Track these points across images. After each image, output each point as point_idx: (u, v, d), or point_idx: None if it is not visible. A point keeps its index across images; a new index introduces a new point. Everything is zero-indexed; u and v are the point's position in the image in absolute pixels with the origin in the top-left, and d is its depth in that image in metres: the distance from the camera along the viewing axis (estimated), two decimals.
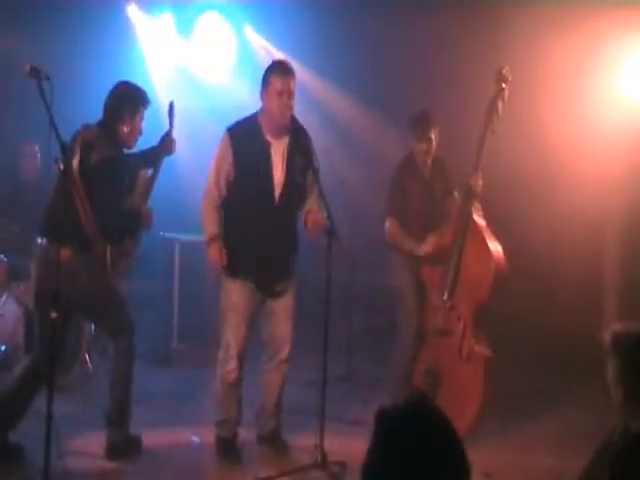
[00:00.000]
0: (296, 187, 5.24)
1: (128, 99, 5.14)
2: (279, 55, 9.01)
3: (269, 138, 5.23)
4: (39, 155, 7.67)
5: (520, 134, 7.27)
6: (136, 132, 5.18)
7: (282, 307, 5.36)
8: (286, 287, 5.37)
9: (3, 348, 6.72)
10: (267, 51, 9.09)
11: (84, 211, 4.86)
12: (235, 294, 5.28)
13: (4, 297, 6.84)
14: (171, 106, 5.47)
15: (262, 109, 5.27)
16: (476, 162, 5.72)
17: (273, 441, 5.47)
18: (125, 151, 5.22)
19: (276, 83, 5.14)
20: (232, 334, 5.28)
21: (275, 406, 5.47)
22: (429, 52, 7.96)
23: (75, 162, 4.83)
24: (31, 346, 6.34)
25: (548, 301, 7.52)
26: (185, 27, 9.21)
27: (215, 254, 5.22)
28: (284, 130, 5.22)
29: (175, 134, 5.45)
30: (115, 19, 8.89)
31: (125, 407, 5.25)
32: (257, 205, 5.22)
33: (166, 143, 5.36)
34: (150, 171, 5.35)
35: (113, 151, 5.03)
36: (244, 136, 5.24)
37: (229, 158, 5.23)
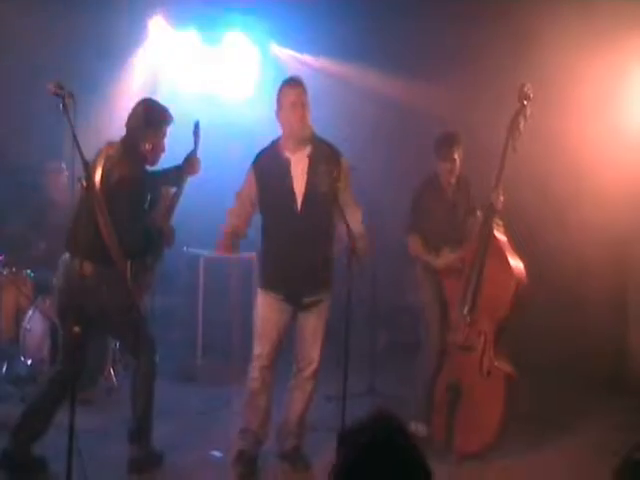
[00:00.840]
0: (320, 196, 5.20)
1: (151, 117, 5.17)
2: (310, 61, 9.13)
3: (288, 154, 5.30)
4: (66, 172, 7.76)
5: (547, 150, 7.27)
6: (159, 150, 5.22)
7: (312, 325, 5.39)
8: (316, 301, 5.37)
9: (30, 362, 6.78)
10: (296, 60, 9.16)
11: (106, 227, 4.90)
12: (265, 306, 5.38)
13: (30, 312, 6.92)
14: (196, 126, 5.49)
15: (281, 129, 5.35)
16: (497, 178, 5.73)
17: (294, 459, 5.46)
18: (149, 169, 5.26)
19: (289, 95, 5.23)
20: (260, 345, 5.37)
21: (297, 424, 5.46)
22: (454, 66, 7.97)
23: (97, 179, 4.89)
24: (56, 360, 6.45)
25: (571, 317, 7.46)
26: (210, 43, 9.29)
27: (223, 242, 5.39)
28: (304, 142, 5.27)
29: (199, 154, 5.47)
30: (140, 33, 9.00)
31: (146, 423, 5.29)
32: (281, 217, 5.31)
33: (190, 163, 5.38)
34: (173, 189, 5.38)
35: (135, 168, 5.07)
36: (266, 162, 5.38)
37: (254, 188, 5.39)
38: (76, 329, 4.43)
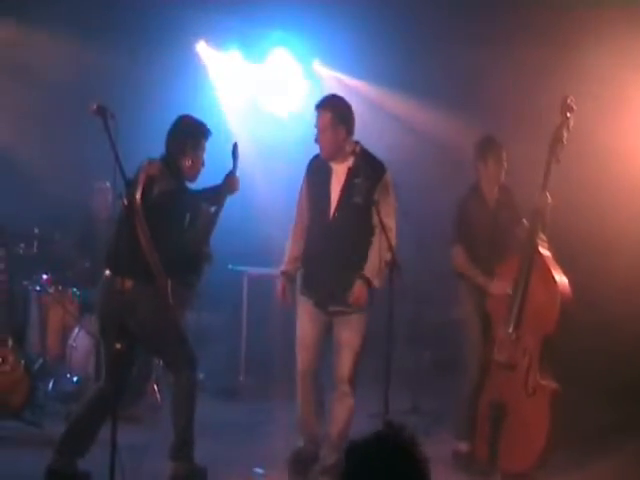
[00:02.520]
0: (353, 206, 5.36)
1: (190, 133, 5.24)
2: (352, 83, 9.17)
3: (331, 163, 5.48)
4: (111, 191, 7.84)
5: (590, 163, 7.21)
6: (198, 165, 5.26)
7: (343, 336, 5.42)
8: (345, 312, 5.39)
9: (75, 379, 6.86)
10: (337, 80, 9.21)
11: (146, 244, 4.94)
12: (301, 313, 5.55)
13: (76, 330, 7.01)
14: (235, 147, 5.49)
15: None
16: (543, 186, 5.68)
17: (335, 474, 5.38)
18: (189, 186, 5.31)
19: (316, 119, 5.46)
20: (299, 351, 5.51)
21: (338, 439, 5.42)
22: (499, 80, 7.95)
23: (138, 195, 4.94)
24: (100, 377, 6.51)
25: (613, 333, 7.33)
26: (254, 62, 9.37)
27: (279, 289, 5.57)
28: (342, 155, 5.43)
29: (238, 173, 5.51)
30: (185, 56, 9.12)
31: (188, 440, 5.28)
32: (317, 225, 5.49)
33: (229, 182, 5.39)
34: (213, 208, 5.40)
35: (175, 184, 5.12)
36: (316, 165, 5.58)
37: (305, 187, 5.62)
38: (118, 346, 4.46)
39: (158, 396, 7.01)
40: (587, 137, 6.80)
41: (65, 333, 7.16)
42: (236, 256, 8.19)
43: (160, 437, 6.18)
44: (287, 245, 5.67)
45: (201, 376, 7.71)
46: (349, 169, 5.40)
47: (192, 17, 8.79)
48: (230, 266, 8.19)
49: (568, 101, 5.74)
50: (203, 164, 5.29)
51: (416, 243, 7.39)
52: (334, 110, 5.41)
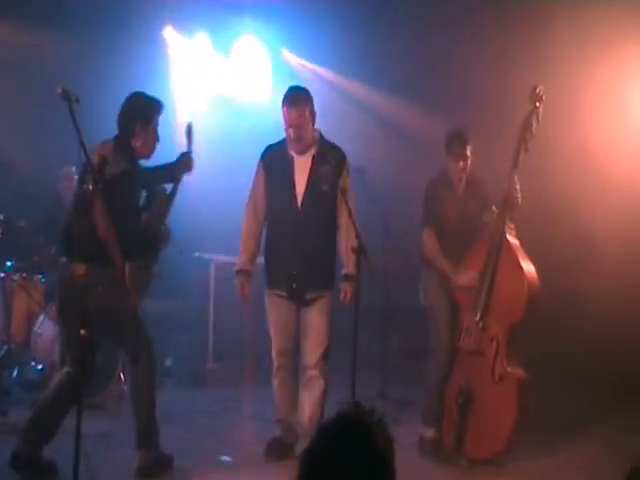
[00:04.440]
0: (320, 195, 5.39)
1: (140, 110, 5.11)
2: (319, 70, 9.15)
3: (293, 154, 5.48)
4: (75, 177, 7.76)
5: (562, 152, 7.26)
6: (152, 142, 5.16)
7: (313, 320, 5.47)
8: (317, 298, 5.47)
9: (40, 367, 6.79)
10: (305, 67, 9.18)
11: (104, 227, 4.83)
12: (271, 306, 5.57)
13: (41, 317, 6.93)
14: (189, 127, 5.38)
15: None
16: (511, 173, 5.68)
17: None
18: (143, 164, 5.21)
19: (286, 114, 5.42)
20: (273, 344, 5.55)
21: (311, 424, 5.42)
22: (470, 67, 7.96)
23: (93, 177, 4.78)
24: (65, 363, 6.46)
25: (591, 325, 7.38)
26: (221, 49, 9.30)
27: (239, 287, 5.59)
28: (307, 147, 5.45)
29: (195, 154, 5.39)
30: (151, 40, 9.03)
31: (151, 429, 5.25)
32: (283, 215, 5.47)
33: (184, 161, 5.29)
34: (169, 188, 5.31)
35: (127, 165, 5.01)
36: (273, 156, 5.56)
37: (262, 179, 5.55)
38: (83, 332, 4.40)
39: (124, 384, 6.95)
40: (562, 129, 6.85)
41: (30, 320, 7.08)
42: (203, 243, 8.16)
43: (125, 425, 6.14)
44: (242, 242, 5.63)
45: (169, 363, 7.72)
46: (313, 157, 5.42)
47: (160, 1, 8.71)
48: (197, 253, 8.16)
49: (537, 90, 5.73)
50: (157, 140, 5.17)
51: (384, 228, 7.39)
52: (310, 104, 5.44)
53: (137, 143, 5.08)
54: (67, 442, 4.44)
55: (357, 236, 5.03)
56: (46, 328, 6.85)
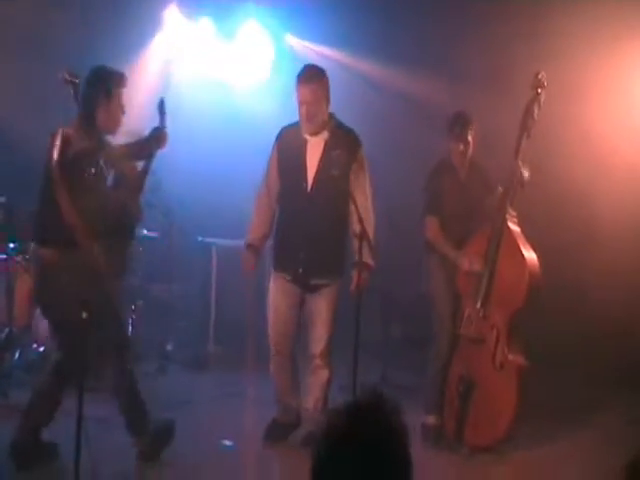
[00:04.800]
0: (331, 179, 5.24)
1: (101, 83, 4.95)
2: (324, 52, 9.10)
3: (306, 136, 5.42)
4: None
5: (565, 139, 7.23)
6: (116, 116, 5.00)
7: (319, 308, 5.43)
8: (323, 284, 5.41)
9: (42, 349, 6.81)
10: (312, 51, 9.13)
11: (69, 207, 4.70)
12: (275, 290, 5.51)
13: None
14: (161, 103, 5.25)
15: None
16: (512, 162, 5.67)
17: (309, 445, 5.40)
18: (112, 141, 5.08)
19: (298, 92, 5.35)
20: (272, 332, 5.50)
21: (315, 410, 5.46)
22: (470, 53, 7.93)
23: (55, 157, 4.74)
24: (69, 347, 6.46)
25: (593, 315, 7.37)
26: (224, 33, 9.26)
27: (246, 260, 5.55)
28: (315, 131, 5.39)
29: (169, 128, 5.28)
30: (155, 23, 8.99)
31: (137, 415, 5.17)
32: (292, 198, 5.43)
33: (157, 136, 5.15)
34: (140, 165, 5.20)
35: (92, 141, 4.87)
36: (288, 137, 5.51)
37: (275, 160, 5.52)
38: (84, 315, 4.37)
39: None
40: (567, 115, 6.84)
41: (32, 303, 7.06)
42: (205, 228, 8.16)
43: None
44: (253, 219, 5.60)
45: (169, 347, 7.73)
46: (326, 141, 5.36)
47: None
48: (199, 238, 8.16)
49: (539, 76, 5.71)
50: (122, 113, 5.02)
51: (387, 216, 7.37)
52: (323, 81, 5.36)
53: (101, 116, 4.93)
54: (68, 425, 4.46)
55: (360, 221, 5.00)
56: None
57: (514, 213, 5.76)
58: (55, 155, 4.74)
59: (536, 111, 5.68)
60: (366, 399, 2.17)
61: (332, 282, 5.44)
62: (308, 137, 5.41)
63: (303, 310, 5.52)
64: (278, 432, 5.58)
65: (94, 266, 4.79)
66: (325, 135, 5.39)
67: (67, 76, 4.56)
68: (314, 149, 5.39)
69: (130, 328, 7.46)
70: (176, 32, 9.24)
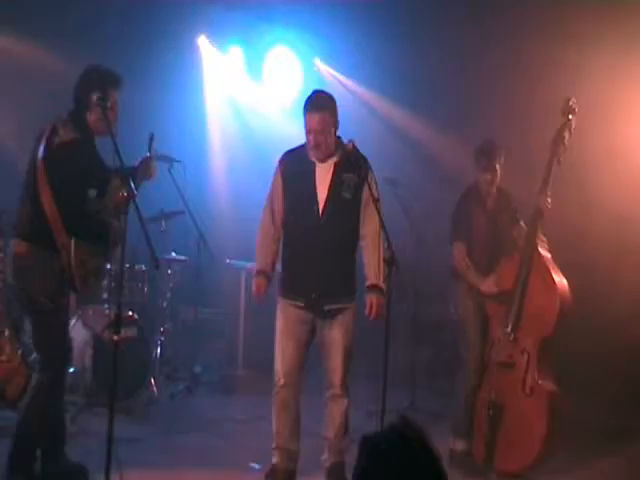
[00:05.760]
0: (342, 203, 5.19)
1: (95, 84, 4.80)
2: (349, 84, 9.17)
3: (314, 160, 5.27)
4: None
5: (593, 150, 7.21)
6: (107, 118, 4.78)
7: (333, 338, 5.25)
8: (338, 311, 5.24)
9: (72, 370, 6.83)
10: (337, 80, 9.21)
11: (47, 201, 4.62)
12: (284, 318, 5.27)
13: (74, 321, 6.98)
14: (151, 139, 4.93)
15: None
16: (543, 183, 5.67)
17: (335, 476, 5.28)
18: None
19: (307, 120, 5.19)
20: (279, 360, 5.27)
21: (336, 439, 5.30)
22: (501, 79, 7.94)
23: (41, 150, 4.68)
24: (98, 369, 6.51)
25: (617, 337, 7.30)
26: (254, 59, 9.38)
27: (256, 287, 5.28)
28: (328, 155, 5.24)
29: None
30: (184, 49, 9.11)
31: (21, 450, 4.78)
32: (303, 222, 5.24)
33: (144, 166, 4.90)
34: (125, 190, 4.93)
35: (77, 135, 4.74)
36: (293, 161, 5.34)
37: (280, 186, 5.33)
38: (115, 337, 4.37)
39: (155, 389, 7.01)
40: (591, 137, 6.80)
41: None
42: (234, 251, 8.20)
43: (157, 430, 6.23)
44: (260, 248, 5.38)
45: (198, 370, 7.76)
46: (335, 164, 5.24)
47: (194, 10, 8.79)
48: (228, 261, 8.20)
49: (570, 103, 5.73)
50: (114, 117, 4.82)
51: (416, 240, 7.39)
52: (332, 109, 5.22)
53: (91, 117, 4.80)
54: (98, 446, 4.49)
55: (389, 247, 4.87)
56: (78, 332, 6.90)
57: (544, 239, 5.76)
58: (41, 147, 4.69)
59: (567, 137, 5.69)
60: (400, 424, 2.18)
61: (346, 306, 5.27)
62: (316, 162, 5.27)
63: (317, 339, 5.32)
64: (278, 478, 5.31)
65: (67, 267, 4.67)
66: (335, 158, 5.25)
67: (97, 99, 4.59)
68: (323, 173, 5.24)
69: (159, 350, 7.53)
70: (207, 58, 9.38)
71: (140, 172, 4.89)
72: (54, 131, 4.72)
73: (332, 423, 5.31)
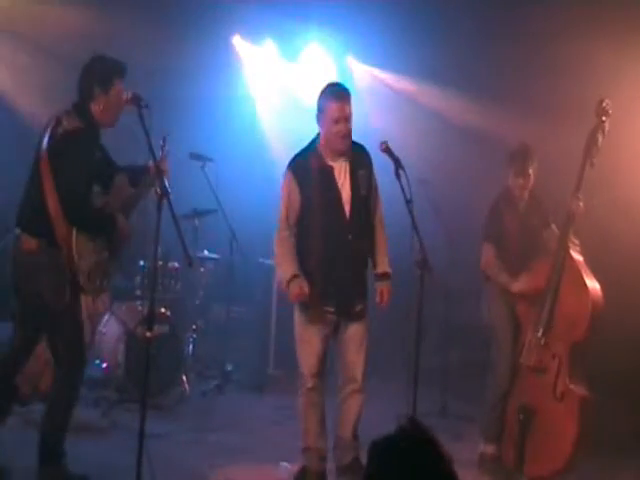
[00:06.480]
0: (363, 201, 5.21)
1: (99, 73, 4.78)
2: (385, 77, 9.14)
3: (330, 162, 5.20)
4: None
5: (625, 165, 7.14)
6: (113, 108, 4.79)
7: (354, 335, 5.25)
8: (363, 309, 5.28)
9: (104, 366, 6.91)
10: (372, 75, 9.20)
11: (50, 192, 4.58)
12: (308, 323, 5.22)
13: (107, 316, 7.06)
14: (163, 140, 4.90)
15: (320, 134, 5.25)
16: (576, 188, 5.63)
17: (355, 471, 5.29)
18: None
19: (332, 110, 5.10)
20: (307, 364, 5.25)
21: (353, 436, 5.32)
22: (535, 76, 7.90)
23: (45, 141, 4.66)
24: (130, 365, 6.56)
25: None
26: (288, 57, 9.41)
27: (298, 291, 5.10)
28: (344, 152, 5.20)
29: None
30: (220, 47, 9.15)
31: (54, 447, 4.80)
32: (331, 227, 5.17)
33: (153, 166, 4.61)
34: (132, 190, 5.00)
35: (82, 124, 4.70)
36: (306, 165, 5.22)
37: (295, 192, 5.18)
38: (148, 334, 4.40)
39: (187, 386, 7.05)
40: (625, 138, 6.74)
41: (95, 319, 7.22)
42: (266, 250, 8.22)
43: (188, 426, 6.27)
44: (284, 258, 5.20)
45: (229, 368, 7.79)
46: (350, 163, 5.20)
47: (228, 9, 8.81)
48: (260, 259, 8.22)
49: (604, 104, 5.66)
50: (120, 106, 4.77)
51: (447, 241, 7.37)
52: (350, 96, 5.20)
53: (96, 107, 4.75)
54: (130, 441, 4.52)
55: (422, 248, 4.84)
56: (111, 328, 6.99)
57: (577, 242, 5.71)
58: (45, 139, 4.66)
59: (600, 139, 5.63)
60: (407, 427, 2.18)
61: (365, 305, 5.32)
62: (332, 162, 5.19)
63: (337, 337, 5.28)
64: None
65: (70, 262, 4.63)
66: (346, 157, 5.21)
67: (130, 97, 4.57)
68: (342, 174, 5.19)
69: (190, 347, 7.57)
70: (242, 57, 9.43)
71: (152, 171, 4.72)
72: (58, 122, 4.69)
73: (350, 420, 5.31)
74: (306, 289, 5.09)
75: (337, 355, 5.34)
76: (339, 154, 5.19)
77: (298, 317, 5.27)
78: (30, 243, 4.61)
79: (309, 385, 5.24)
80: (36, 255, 4.62)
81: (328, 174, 5.18)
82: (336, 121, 5.09)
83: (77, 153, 4.63)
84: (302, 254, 5.20)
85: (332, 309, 5.19)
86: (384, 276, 5.28)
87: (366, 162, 5.24)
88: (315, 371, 5.23)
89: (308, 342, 5.24)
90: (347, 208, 5.16)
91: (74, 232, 4.62)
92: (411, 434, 2.17)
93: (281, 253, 5.23)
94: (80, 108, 4.76)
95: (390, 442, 2.16)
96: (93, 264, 4.74)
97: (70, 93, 4.83)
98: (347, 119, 5.11)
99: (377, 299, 5.27)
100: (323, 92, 5.23)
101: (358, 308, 5.24)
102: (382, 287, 5.26)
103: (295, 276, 5.12)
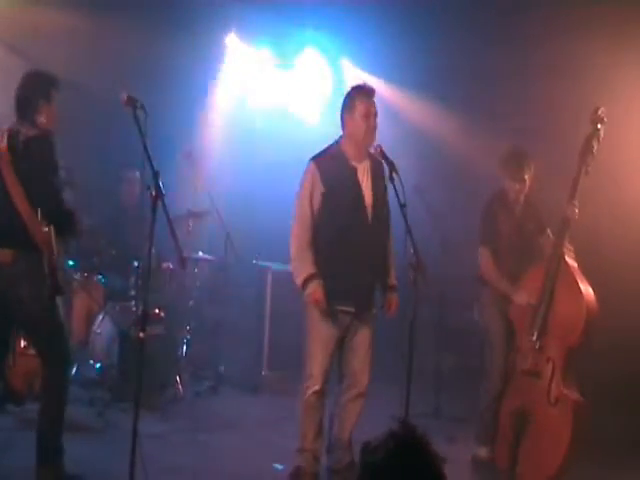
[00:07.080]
0: (383, 204, 5.30)
1: (40, 86, 4.91)
2: (375, 82, 9.16)
3: (354, 163, 5.28)
4: (139, 181, 7.86)
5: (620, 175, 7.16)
6: (54, 117, 4.92)
7: (363, 341, 5.30)
8: (375, 314, 5.36)
9: (98, 365, 6.91)
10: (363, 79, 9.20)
11: (19, 198, 4.61)
12: (327, 322, 5.21)
13: (101, 317, 7.06)
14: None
15: (344, 135, 5.31)
16: (570, 195, 5.65)
17: (350, 474, 5.32)
18: None
19: (361, 107, 5.21)
20: (314, 366, 5.24)
21: (349, 439, 5.37)
22: (527, 84, 7.91)
23: (3, 146, 4.69)
24: (124, 365, 6.56)
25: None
26: (283, 60, 9.40)
27: (317, 292, 5.11)
28: (366, 152, 5.29)
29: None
30: (217, 50, 9.15)
31: (53, 445, 4.84)
32: (353, 228, 5.20)
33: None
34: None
35: (40, 130, 4.82)
36: (330, 164, 5.26)
37: (319, 187, 5.21)
38: (141, 335, 4.40)
39: (181, 387, 7.05)
40: (622, 144, 6.76)
41: (89, 319, 7.23)
42: (261, 252, 8.23)
43: (181, 427, 6.27)
44: (301, 256, 5.20)
45: (222, 369, 7.79)
46: (371, 165, 5.29)
47: (224, 8, 8.82)
48: (255, 261, 8.23)
49: (599, 112, 5.68)
50: (54, 116, 4.92)
51: (441, 245, 7.38)
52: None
53: (41, 119, 4.87)
54: (123, 442, 4.52)
55: (416, 251, 4.81)
56: (105, 328, 6.98)
57: (571, 247, 5.73)
58: (4, 145, 4.68)
59: (595, 146, 5.65)
60: (398, 430, 2.19)
61: (375, 310, 5.39)
62: (355, 163, 5.27)
63: (346, 340, 5.31)
64: None
65: (52, 268, 4.68)
66: (368, 160, 5.31)
67: (126, 98, 4.58)
68: (364, 177, 5.28)
69: (184, 348, 7.57)
70: (237, 57, 9.42)
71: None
72: (15, 133, 4.75)
73: (350, 423, 5.36)
74: (322, 294, 5.11)
75: (342, 358, 5.35)
76: (362, 154, 5.28)
77: (314, 317, 5.23)
78: (4, 255, 4.65)
79: (317, 387, 5.23)
80: (12, 266, 4.67)
81: (352, 174, 5.26)
82: (366, 116, 5.21)
83: (52, 153, 4.75)
84: (322, 252, 5.21)
85: (351, 309, 5.22)
86: (392, 288, 5.38)
87: (381, 167, 5.24)
88: (324, 373, 5.24)
89: (325, 343, 5.23)
90: (369, 210, 5.25)
91: (52, 232, 4.69)
92: (403, 436, 2.17)
93: (296, 252, 5.25)
94: (27, 119, 4.85)
95: (382, 444, 2.16)
96: (61, 262, 4.87)
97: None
98: (374, 114, 5.25)
99: (386, 307, 5.35)
100: (352, 90, 5.35)
101: (374, 311, 5.35)
102: (392, 298, 5.35)
103: (312, 276, 5.14)
